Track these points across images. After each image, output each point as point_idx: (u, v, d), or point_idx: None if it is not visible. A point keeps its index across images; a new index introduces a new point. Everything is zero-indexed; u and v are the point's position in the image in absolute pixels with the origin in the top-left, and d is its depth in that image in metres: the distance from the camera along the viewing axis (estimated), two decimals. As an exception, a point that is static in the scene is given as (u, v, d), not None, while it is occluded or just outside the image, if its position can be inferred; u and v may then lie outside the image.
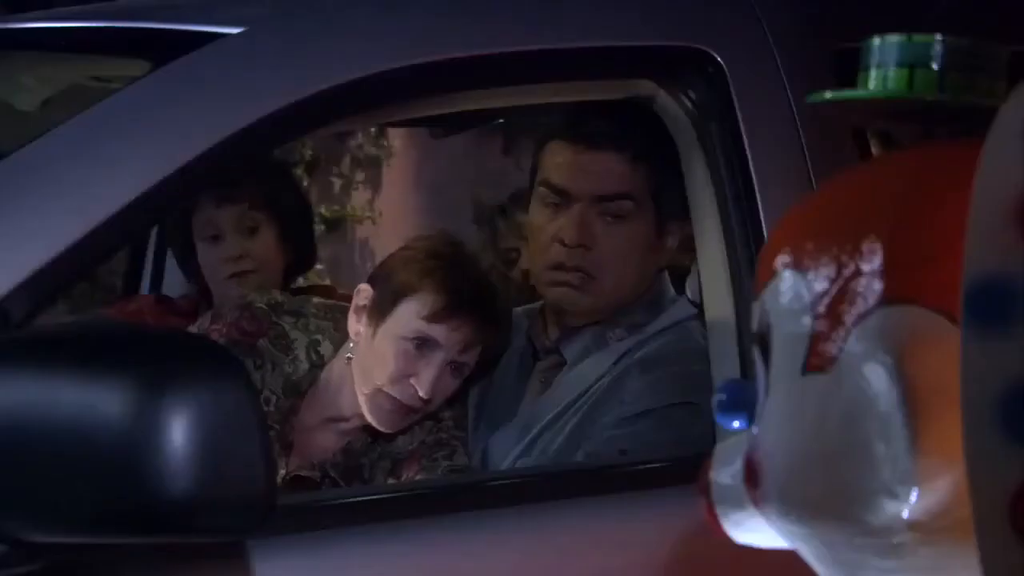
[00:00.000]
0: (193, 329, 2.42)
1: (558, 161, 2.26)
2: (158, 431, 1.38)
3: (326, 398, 2.35)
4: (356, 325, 2.33)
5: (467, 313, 2.26)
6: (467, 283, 2.29)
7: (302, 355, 2.37)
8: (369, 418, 2.30)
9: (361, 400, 2.30)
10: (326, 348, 2.38)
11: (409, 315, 2.26)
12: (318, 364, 2.37)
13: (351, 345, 2.34)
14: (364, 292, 2.32)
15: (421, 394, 2.25)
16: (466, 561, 1.81)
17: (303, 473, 2.32)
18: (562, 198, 2.24)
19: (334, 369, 2.36)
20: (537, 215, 2.28)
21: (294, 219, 2.82)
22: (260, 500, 1.46)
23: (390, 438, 2.33)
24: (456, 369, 2.28)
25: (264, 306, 2.40)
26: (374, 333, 2.29)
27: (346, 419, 2.35)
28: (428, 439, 2.31)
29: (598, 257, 2.23)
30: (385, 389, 2.26)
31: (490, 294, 2.32)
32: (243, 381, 1.46)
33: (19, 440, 1.42)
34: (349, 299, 2.40)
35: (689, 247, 2.23)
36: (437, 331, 2.25)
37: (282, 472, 2.31)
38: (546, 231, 2.25)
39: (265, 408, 2.29)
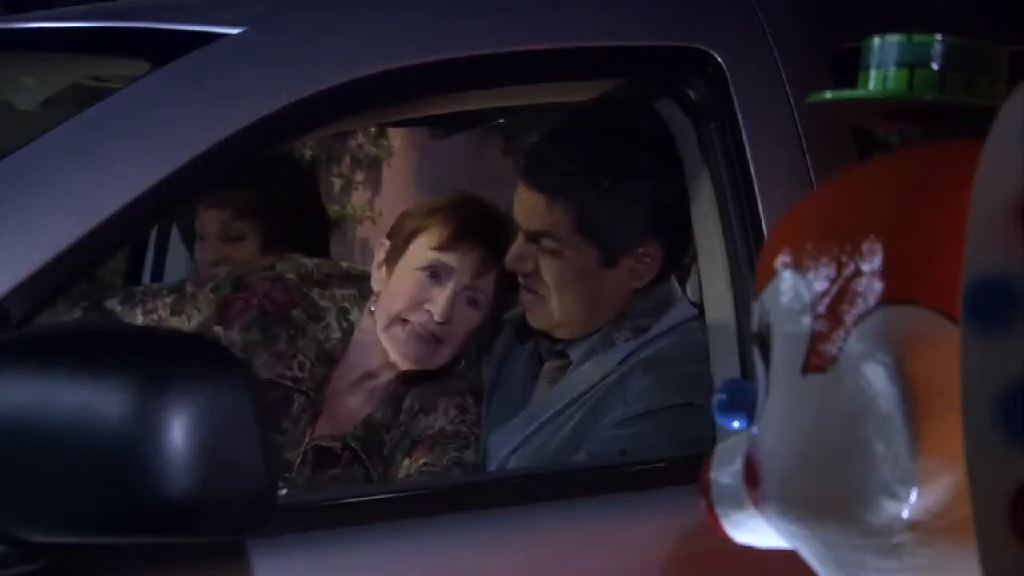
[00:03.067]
0: (207, 283, 2.48)
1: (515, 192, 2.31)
2: (158, 431, 1.38)
3: (357, 358, 2.41)
4: (378, 276, 2.40)
5: (476, 238, 2.32)
6: (473, 213, 2.39)
7: (333, 323, 2.42)
8: (393, 355, 2.34)
9: (383, 339, 2.34)
10: (355, 315, 2.44)
11: (421, 249, 2.34)
12: (348, 332, 2.42)
13: (373, 299, 2.41)
14: (383, 246, 2.41)
15: (436, 318, 2.29)
16: (466, 561, 1.81)
17: (324, 443, 2.36)
18: (517, 228, 2.29)
19: (362, 328, 2.41)
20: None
21: (291, 231, 2.80)
22: (260, 500, 1.46)
23: (413, 414, 2.36)
24: (472, 297, 2.33)
25: (294, 276, 2.45)
26: (391, 275, 2.37)
27: (376, 375, 2.39)
28: (449, 428, 2.34)
29: (543, 283, 2.27)
30: (402, 316, 2.31)
31: (498, 222, 2.38)
32: (243, 381, 1.46)
33: (19, 440, 1.41)
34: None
35: (675, 263, 2.28)
36: (448, 258, 2.31)
37: (306, 441, 2.35)
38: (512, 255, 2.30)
39: (300, 374, 2.37)
